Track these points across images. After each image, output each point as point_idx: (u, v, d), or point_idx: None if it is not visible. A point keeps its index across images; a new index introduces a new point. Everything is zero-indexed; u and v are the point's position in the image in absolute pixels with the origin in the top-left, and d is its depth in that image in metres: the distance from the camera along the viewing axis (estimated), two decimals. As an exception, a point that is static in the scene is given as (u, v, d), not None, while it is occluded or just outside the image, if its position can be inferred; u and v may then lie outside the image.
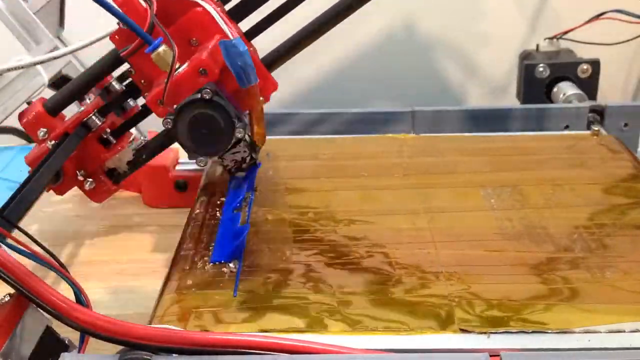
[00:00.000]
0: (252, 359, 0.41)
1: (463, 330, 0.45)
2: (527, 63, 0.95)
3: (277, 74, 0.59)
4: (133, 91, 0.60)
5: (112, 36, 0.55)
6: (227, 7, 0.58)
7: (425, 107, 0.80)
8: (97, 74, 0.58)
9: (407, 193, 0.63)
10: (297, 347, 0.41)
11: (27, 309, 0.46)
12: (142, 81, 0.56)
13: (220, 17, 0.54)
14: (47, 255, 0.46)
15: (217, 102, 0.52)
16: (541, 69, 0.93)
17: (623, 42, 1.01)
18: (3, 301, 0.46)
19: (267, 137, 0.60)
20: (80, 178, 0.60)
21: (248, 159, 0.59)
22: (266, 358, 0.41)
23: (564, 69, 0.93)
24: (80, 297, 0.45)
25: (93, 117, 0.57)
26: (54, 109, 0.58)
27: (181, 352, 0.41)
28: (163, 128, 0.54)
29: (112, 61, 0.57)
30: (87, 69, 0.59)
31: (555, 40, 0.98)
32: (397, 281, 0.50)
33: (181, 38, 0.53)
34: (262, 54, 0.59)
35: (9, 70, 0.65)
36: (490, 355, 0.41)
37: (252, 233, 0.56)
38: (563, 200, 0.61)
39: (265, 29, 0.58)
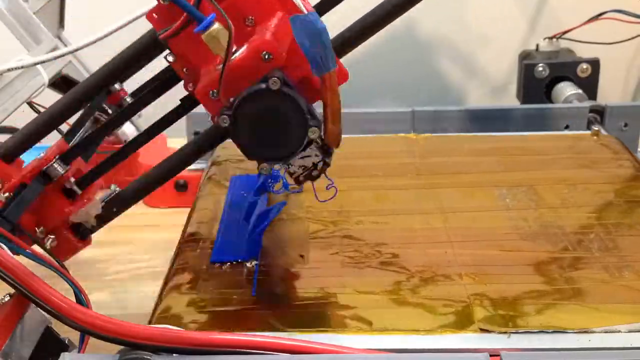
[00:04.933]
0: (252, 359, 0.41)
1: (483, 330, 0.45)
2: (526, 63, 0.95)
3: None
4: (110, 126, 0.52)
5: (149, 14, 0.45)
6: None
7: (425, 107, 0.80)
8: (69, 106, 0.50)
9: (420, 193, 0.63)
10: (297, 347, 0.41)
11: (27, 309, 0.46)
12: (185, 69, 0.47)
13: None
14: (47, 255, 0.46)
15: (287, 93, 0.43)
16: (541, 69, 0.93)
17: (623, 41, 1.01)
18: (3, 301, 0.46)
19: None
20: (40, 235, 0.51)
21: (320, 164, 0.48)
22: (266, 358, 0.41)
23: (564, 68, 0.93)
24: (80, 297, 0.45)
25: (54, 164, 0.49)
26: (9, 154, 0.50)
27: (181, 352, 0.41)
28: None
29: (85, 90, 0.50)
30: (58, 101, 0.51)
31: (554, 40, 0.98)
32: (415, 281, 0.50)
33: (234, 16, 0.43)
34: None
35: (9, 70, 0.65)
36: (490, 355, 0.41)
37: (267, 233, 0.56)
38: (578, 199, 0.61)
39: (337, 2, 0.50)
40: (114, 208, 0.52)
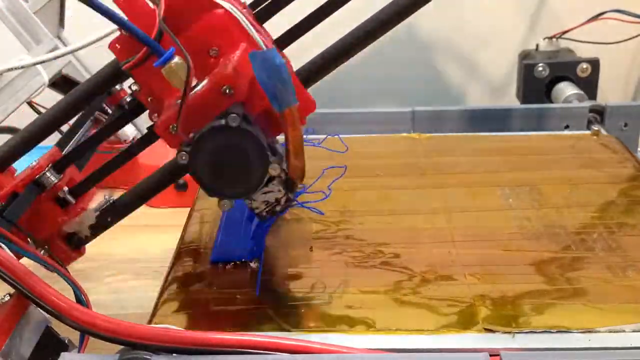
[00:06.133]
0: (253, 359, 0.41)
1: (487, 330, 0.45)
2: (526, 63, 0.95)
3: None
4: (106, 133, 0.51)
5: (112, 44, 0.45)
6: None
7: (425, 107, 0.80)
8: (61, 115, 0.49)
9: (424, 193, 0.63)
10: (297, 346, 0.41)
11: (27, 309, 0.46)
12: (149, 99, 0.46)
13: (248, 20, 0.44)
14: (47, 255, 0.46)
15: (246, 130, 0.42)
16: (540, 69, 0.93)
17: (623, 41, 1.01)
18: (3, 301, 0.46)
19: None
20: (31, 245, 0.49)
21: (283, 200, 0.47)
22: (267, 358, 0.41)
23: (564, 68, 0.93)
24: (80, 297, 0.45)
25: (47, 173, 0.49)
26: (1, 162, 0.49)
27: (181, 352, 0.41)
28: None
29: (78, 97, 0.48)
30: (47, 110, 0.50)
31: (554, 39, 0.98)
32: (419, 281, 0.50)
33: (198, 47, 0.43)
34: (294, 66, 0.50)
35: (9, 70, 0.65)
36: (490, 355, 0.41)
37: (271, 232, 0.56)
38: (581, 199, 0.61)
39: (299, 36, 0.49)
40: (108, 218, 0.51)
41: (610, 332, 0.44)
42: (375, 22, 0.48)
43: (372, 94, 1.09)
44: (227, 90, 0.42)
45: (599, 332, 0.44)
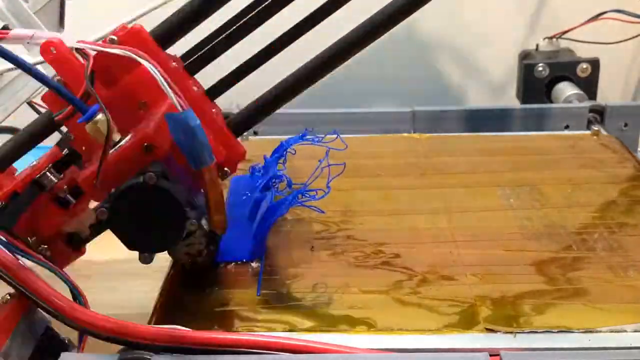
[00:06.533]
0: (253, 359, 0.41)
1: (489, 330, 0.45)
2: (526, 63, 0.95)
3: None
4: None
5: (44, 96, 0.45)
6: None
7: (425, 107, 0.80)
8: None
9: (425, 193, 0.63)
10: (298, 346, 0.41)
11: (27, 309, 0.46)
12: (84, 148, 0.46)
13: (166, 79, 0.42)
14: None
15: (163, 187, 0.43)
16: (540, 69, 0.93)
17: (623, 41, 1.01)
18: (3, 301, 0.46)
19: (272, 137, 0.58)
20: (34, 245, 0.48)
21: (205, 251, 0.50)
22: (267, 358, 0.41)
23: (564, 68, 0.93)
24: (79, 297, 0.45)
25: (47, 173, 0.48)
26: (1, 162, 0.50)
27: (181, 351, 0.41)
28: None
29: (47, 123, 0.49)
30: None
31: (554, 39, 0.98)
32: (420, 281, 0.50)
33: (127, 101, 0.44)
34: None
35: (9, 70, 0.65)
36: (490, 355, 0.41)
37: (272, 233, 0.56)
38: (582, 199, 0.61)
39: (234, 83, 0.50)
40: None
41: (611, 332, 0.44)
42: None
43: (372, 94, 1.09)
44: (148, 148, 0.43)
45: (600, 332, 0.44)
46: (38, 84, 0.72)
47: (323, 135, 0.56)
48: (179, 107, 0.42)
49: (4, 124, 0.70)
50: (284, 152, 0.58)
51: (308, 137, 0.57)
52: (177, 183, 0.44)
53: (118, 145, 0.43)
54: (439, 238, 0.56)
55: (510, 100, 1.06)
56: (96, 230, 0.50)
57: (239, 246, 0.54)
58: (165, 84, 0.42)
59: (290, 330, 0.45)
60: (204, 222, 0.46)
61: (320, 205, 0.55)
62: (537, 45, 0.99)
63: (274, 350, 0.41)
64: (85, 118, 0.40)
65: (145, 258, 0.45)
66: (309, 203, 0.54)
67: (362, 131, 0.77)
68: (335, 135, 0.57)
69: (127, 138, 0.43)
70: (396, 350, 0.43)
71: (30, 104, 0.69)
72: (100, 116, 0.40)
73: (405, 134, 0.76)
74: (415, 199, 0.62)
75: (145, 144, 0.43)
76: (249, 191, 0.60)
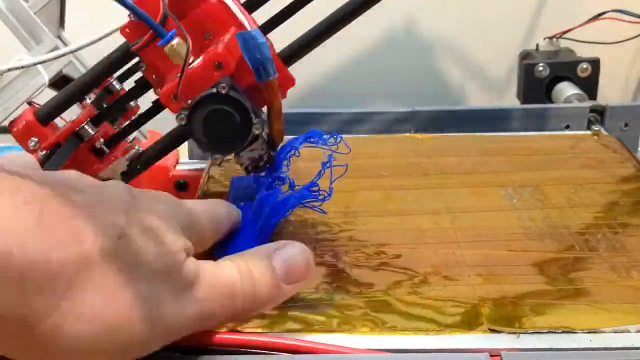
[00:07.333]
0: (253, 359, 0.41)
1: (492, 331, 0.44)
2: (526, 63, 0.95)
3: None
4: (131, 96, 0.58)
5: (122, 29, 0.52)
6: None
7: (425, 107, 0.80)
8: (97, 76, 0.57)
9: (428, 193, 0.63)
10: (298, 346, 0.41)
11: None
12: (154, 76, 0.54)
13: (237, 7, 0.52)
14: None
15: (233, 97, 0.51)
16: (541, 69, 0.93)
17: (623, 41, 1.01)
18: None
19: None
20: None
21: (265, 157, 0.55)
22: (267, 358, 0.41)
23: (564, 68, 0.93)
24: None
25: (85, 126, 0.56)
26: (45, 117, 0.57)
27: (181, 351, 0.41)
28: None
29: (115, 60, 0.56)
30: (86, 72, 0.57)
31: (554, 39, 0.98)
32: (423, 281, 0.50)
33: (194, 31, 0.51)
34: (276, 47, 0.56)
35: (9, 70, 0.65)
36: (491, 355, 0.41)
37: (274, 234, 0.56)
38: (585, 199, 0.60)
39: (280, 23, 0.56)
40: (137, 166, 0.58)
41: (614, 332, 0.44)
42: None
43: (372, 94, 1.09)
44: (218, 65, 0.50)
45: (602, 332, 0.44)
46: (38, 84, 0.73)
47: (329, 136, 0.56)
48: (248, 27, 0.51)
49: (4, 123, 0.70)
50: (289, 154, 0.58)
51: (312, 139, 0.57)
52: (244, 95, 0.52)
53: (191, 65, 0.50)
54: (441, 238, 0.55)
55: (510, 100, 1.06)
56: (128, 177, 0.58)
57: (241, 247, 0.54)
58: (236, 8, 0.51)
59: (290, 331, 0.45)
60: (265, 131, 0.53)
61: (323, 206, 0.55)
62: (537, 45, 0.99)
63: (274, 350, 0.41)
64: (165, 40, 0.48)
65: (218, 159, 0.54)
66: (311, 204, 0.54)
67: (362, 131, 0.77)
68: (338, 137, 0.57)
69: (199, 59, 0.51)
70: (396, 350, 0.43)
71: (31, 103, 0.69)
72: (176, 40, 0.48)
73: (407, 134, 0.76)
74: (417, 199, 0.62)
75: (216, 61, 0.50)
76: (250, 191, 0.60)
